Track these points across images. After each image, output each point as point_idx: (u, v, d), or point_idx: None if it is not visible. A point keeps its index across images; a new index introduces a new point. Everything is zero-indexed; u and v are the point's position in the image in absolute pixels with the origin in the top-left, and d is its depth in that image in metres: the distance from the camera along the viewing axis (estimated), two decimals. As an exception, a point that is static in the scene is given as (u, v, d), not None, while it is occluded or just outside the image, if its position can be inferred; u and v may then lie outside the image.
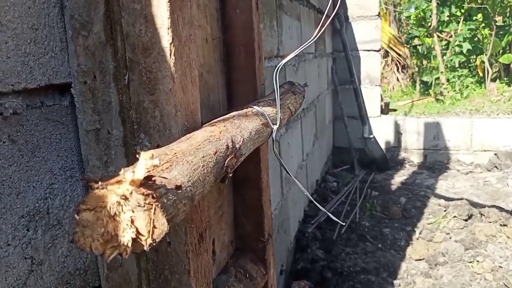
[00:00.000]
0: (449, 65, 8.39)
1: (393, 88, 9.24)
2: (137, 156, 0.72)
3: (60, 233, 0.73)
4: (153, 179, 0.47)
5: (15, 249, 0.64)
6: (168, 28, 0.67)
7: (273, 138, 0.95)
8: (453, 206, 3.21)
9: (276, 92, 0.97)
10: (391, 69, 9.44)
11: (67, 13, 0.71)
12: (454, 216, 3.09)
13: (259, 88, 1.12)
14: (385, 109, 4.87)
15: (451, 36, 8.81)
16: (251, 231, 1.22)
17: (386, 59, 9.04)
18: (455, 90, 7.75)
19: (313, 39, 1.05)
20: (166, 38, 0.67)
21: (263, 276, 1.20)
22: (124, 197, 0.44)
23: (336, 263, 2.56)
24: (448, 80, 8.12)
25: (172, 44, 0.67)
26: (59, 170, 0.73)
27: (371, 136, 4.32)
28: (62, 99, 0.74)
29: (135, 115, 0.71)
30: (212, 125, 0.74)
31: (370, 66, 4.52)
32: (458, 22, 8.37)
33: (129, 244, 0.46)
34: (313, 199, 1.16)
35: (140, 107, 0.71)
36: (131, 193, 0.44)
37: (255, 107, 0.91)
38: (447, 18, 8.45)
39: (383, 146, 4.54)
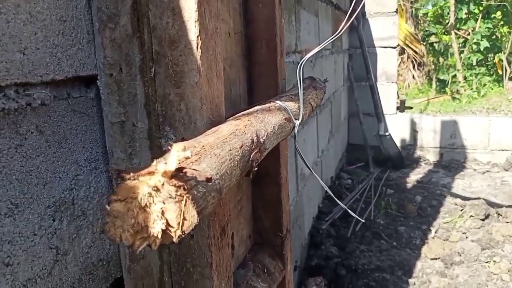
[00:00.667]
0: (466, 63, 8.28)
1: (409, 86, 9.15)
2: (163, 148, 0.72)
3: (85, 224, 0.73)
4: (184, 170, 0.46)
5: (41, 239, 0.65)
6: (196, 21, 0.66)
7: (294, 133, 0.95)
8: (469, 205, 3.17)
9: (299, 86, 0.97)
10: (407, 66, 9.35)
11: (94, 5, 0.71)
12: (471, 216, 3.05)
13: (280, 82, 1.11)
14: (401, 107, 4.82)
15: (468, 34, 8.68)
16: (269, 226, 1.22)
17: (402, 56, 8.95)
18: (472, 89, 7.65)
19: (338, 33, 1.04)
20: (193, 31, 0.67)
21: (280, 271, 1.20)
22: (155, 188, 0.44)
23: (350, 260, 2.55)
24: (465, 78, 8.02)
25: (199, 37, 0.67)
26: (84, 162, 0.73)
27: (387, 133, 4.28)
28: (88, 91, 0.74)
29: (160, 108, 0.71)
30: (237, 119, 0.74)
31: (386, 63, 4.48)
32: (476, 20, 8.25)
33: (159, 236, 0.46)
34: (332, 195, 1.15)
35: (166, 100, 0.71)
36: (163, 184, 0.44)
37: (277, 101, 0.90)
38: (465, 16, 8.33)
39: (398, 144, 4.50)
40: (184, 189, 0.45)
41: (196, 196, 0.47)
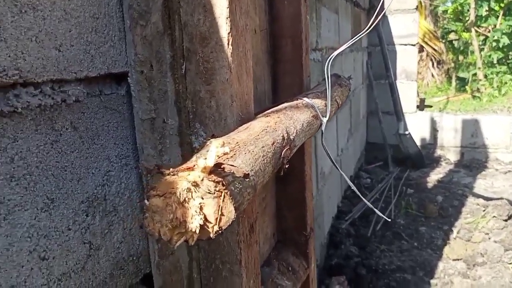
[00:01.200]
0: (486, 61, 8.13)
1: (428, 84, 9.03)
2: (193, 145, 0.72)
3: (116, 219, 0.74)
4: (222, 166, 0.46)
5: (75, 234, 0.66)
6: (227, 18, 0.66)
7: (322, 130, 0.94)
8: (492, 205, 3.11)
9: (327, 83, 0.96)
10: (425, 64, 9.23)
11: (125, 2, 0.72)
12: (494, 216, 3.00)
13: (305, 80, 1.11)
14: (421, 105, 4.76)
15: (489, 31, 8.52)
16: (293, 224, 1.21)
17: (420, 54, 8.83)
18: (492, 87, 7.51)
19: (365, 31, 1.03)
20: (224, 27, 0.67)
21: (305, 270, 1.20)
22: (195, 184, 0.44)
23: (370, 260, 2.53)
24: (485, 76, 7.88)
25: (230, 34, 0.67)
26: (116, 158, 0.74)
27: (407, 132, 4.23)
28: (119, 88, 0.75)
29: (191, 104, 0.72)
30: (267, 116, 0.74)
31: (406, 61, 4.43)
32: (497, 17, 8.10)
33: (197, 231, 0.46)
34: (357, 191, 1.14)
35: (196, 97, 0.71)
36: (202, 179, 0.44)
37: (305, 99, 0.90)
38: (486, 13, 8.18)
39: (418, 143, 4.45)
40: (223, 184, 0.45)
41: (233, 192, 0.47)
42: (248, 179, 0.50)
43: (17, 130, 0.56)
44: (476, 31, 8.37)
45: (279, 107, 0.82)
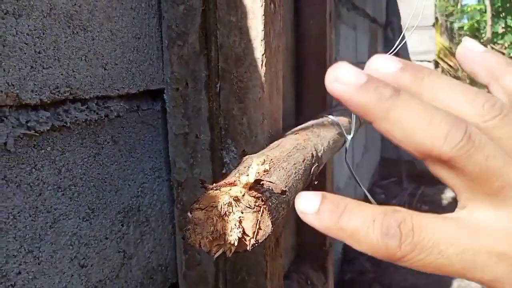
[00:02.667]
0: (502, 78, 8.10)
1: (443, 100, 9.00)
2: (224, 160, 0.75)
3: (148, 229, 0.77)
4: (261, 183, 0.49)
5: (111, 243, 0.69)
6: (262, 40, 0.70)
7: (346, 148, 0.97)
8: (508, 225, 3.09)
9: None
10: (440, 80, 9.21)
11: (164, 23, 0.76)
12: (510, 236, 2.97)
13: (328, 97, 1.14)
14: (436, 122, 4.74)
15: (505, 48, 8.51)
16: (313, 238, 1.23)
17: (436, 70, 8.82)
18: (509, 104, 7.46)
19: (395, 49, 1.06)
20: (259, 49, 0.70)
21: (323, 284, 1.21)
22: (236, 199, 0.47)
23: (385, 276, 2.52)
24: (501, 93, 7.83)
25: (264, 55, 0.70)
26: (150, 170, 0.77)
27: (421, 149, 4.22)
28: (155, 104, 0.78)
29: (223, 121, 0.75)
30: (296, 133, 0.77)
31: (422, 78, 4.43)
32: (514, 34, 8.08)
33: (235, 244, 0.48)
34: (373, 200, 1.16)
35: (229, 114, 0.74)
36: (243, 195, 0.47)
37: (330, 116, 0.92)
38: (502, 30, 8.18)
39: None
40: (262, 200, 0.48)
41: (271, 207, 0.50)
42: (284, 195, 0.53)
43: (65, 144, 0.59)
44: (492, 48, 8.36)
45: (306, 124, 0.85)
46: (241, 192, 0.47)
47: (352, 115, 0.98)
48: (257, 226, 0.49)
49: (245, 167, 0.54)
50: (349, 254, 2.73)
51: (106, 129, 0.67)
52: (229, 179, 0.50)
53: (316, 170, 0.73)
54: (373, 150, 4.10)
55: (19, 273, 0.53)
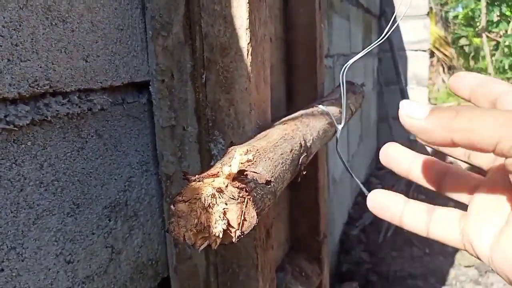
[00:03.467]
0: (498, 67, 8.10)
1: (438, 90, 9.00)
2: (212, 152, 0.74)
3: (136, 224, 0.76)
4: (245, 173, 0.48)
5: (98, 238, 0.68)
6: (247, 29, 0.68)
7: (336, 137, 0.96)
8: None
9: (342, 91, 0.97)
10: (436, 70, 9.20)
11: (148, 14, 0.74)
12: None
13: (319, 87, 1.13)
14: (432, 111, 4.75)
15: (500, 36, 8.49)
16: (306, 230, 1.23)
17: (431, 60, 8.81)
18: (504, 93, 7.46)
19: (380, 40, 1.04)
20: (244, 38, 0.69)
21: (318, 275, 1.21)
22: (219, 190, 0.46)
23: (381, 266, 2.53)
24: (497, 82, 7.82)
25: (250, 44, 0.69)
26: (137, 164, 0.76)
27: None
28: (140, 96, 0.77)
29: (210, 112, 0.74)
30: (284, 123, 0.75)
31: (417, 67, 4.43)
32: (508, 22, 8.06)
33: (220, 236, 0.47)
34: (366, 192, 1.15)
35: (216, 105, 0.73)
36: (226, 186, 0.46)
37: (320, 106, 0.91)
38: (497, 18, 8.15)
39: (429, 149, 4.43)
40: (246, 190, 0.47)
41: (256, 198, 0.49)
42: (269, 186, 0.52)
43: (47, 138, 0.58)
44: (487, 37, 8.35)
45: (296, 114, 0.84)
46: (224, 183, 0.46)
47: (343, 105, 0.96)
48: (242, 218, 0.48)
49: (229, 158, 0.53)
50: (346, 245, 2.73)
51: (90, 122, 0.65)
52: (212, 170, 0.49)
53: (304, 160, 0.72)
54: (369, 140, 4.09)
55: (2, 270, 0.52)
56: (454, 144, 0.28)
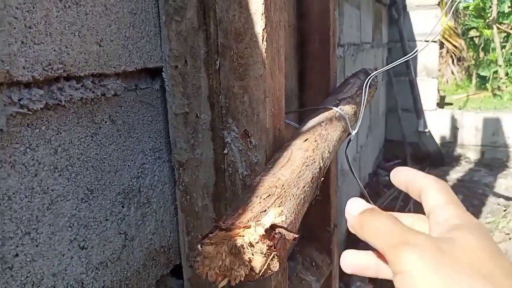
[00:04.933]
0: (508, 59, 7.99)
1: (447, 82, 8.91)
2: (225, 140, 0.73)
3: (149, 211, 0.76)
4: (276, 229, 0.48)
5: (112, 224, 0.68)
6: (262, 14, 0.67)
7: (349, 141, 0.94)
8: (514, 205, 3.07)
9: (363, 102, 0.95)
10: (445, 61, 9.09)
11: (161, -2, 0.73)
12: (515, 216, 2.96)
13: (332, 76, 1.11)
14: (441, 103, 4.71)
15: (511, 28, 8.36)
16: (317, 220, 1.22)
17: (441, 51, 8.70)
18: (514, 85, 7.38)
19: (409, 56, 1.03)
20: (259, 24, 0.67)
21: (328, 266, 1.20)
22: (249, 244, 0.46)
23: (389, 257, 2.52)
24: (507, 74, 7.74)
25: (265, 30, 0.68)
26: (150, 151, 0.75)
27: (426, 130, 4.19)
28: (153, 82, 0.76)
29: (224, 100, 0.73)
30: (305, 140, 0.73)
31: (427, 58, 4.38)
32: (519, 13, 7.94)
33: (242, 279, 0.48)
34: (370, 200, 1.14)
35: (230, 92, 0.72)
36: (257, 242, 0.47)
37: (338, 110, 0.89)
38: (508, 9, 8.03)
39: (438, 141, 4.40)
40: (275, 247, 0.47)
41: (281, 252, 0.49)
42: (295, 241, 0.52)
43: (61, 123, 0.57)
44: (498, 28, 8.23)
45: (314, 123, 0.81)
46: (255, 240, 0.47)
47: (361, 113, 0.94)
48: (265, 267, 0.48)
49: (261, 208, 0.52)
50: (354, 236, 2.72)
51: (103, 108, 0.65)
52: (243, 219, 0.49)
53: (320, 183, 0.71)
54: (378, 132, 4.07)
55: (17, 255, 0.52)
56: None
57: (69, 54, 0.57)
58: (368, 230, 0.38)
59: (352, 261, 0.43)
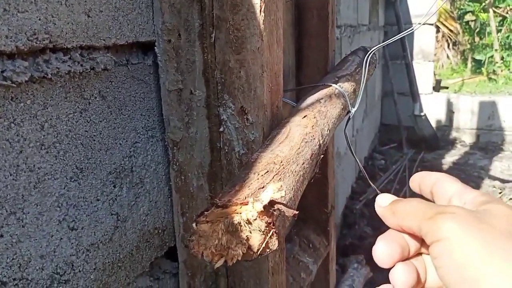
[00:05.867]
0: (504, 43, 7.96)
1: (443, 66, 8.88)
2: (221, 117, 0.71)
3: (142, 191, 0.73)
4: (275, 206, 0.45)
5: (103, 205, 0.65)
6: (259, -17, 0.64)
7: (348, 119, 0.91)
8: (509, 188, 3.08)
9: (362, 79, 0.92)
10: (441, 45, 9.04)
11: (153, -32, 0.69)
12: (510, 198, 2.97)
13: (330, 54, 1.08)
14: (437, 86, 4.69)
15: (507, 12, 8.31)
16: (314, 201, 1.20)
17: (436, 35, 8.65)
18: (509, 69, 7.37)
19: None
20: (256, -7, 0.64)
21: (325, 247, 1.19)
22: (247, 221, 0.44)
23: (385, 240, 2.52)
24: (502, 58, 7.72)
25: (263, 0, 0.64)
26: (142, 129, 0.73)
27: (422, 113, 4.18)
28: (146, 57, 0.73)
29: (219, 75, 0.70)
30: (304, 117, 0.70)
31: (423, 41, 4.34)
32: (516, -3, 7.88)
33: (239, 258, 0.46)
34: (370, 182, 1.12)
35: (225, 67, 0.69)
36: (255, 219, 0.44)
37: (337, 87, 0.86)
38: (505, -8, 7.97)
39: (433, 124, 4.39)
40: (273, 224, 0.44)
41: (280, 230, 0.46)
42: (295, 218, 0.49)
43: (47, 97, 0.54)
44: (494, 12, 8.18)
45: (313, 99, 0.78)
46: (253, 217, 0.44)
47: (361, 90, 0.91)
48: (264, 245, 0.45)
49: (258, 185, 0.49)
50: (349, 219, 2.73)
51: (93, 83, 0.62)
52: (241, 196, 0.46)
53: (320, 161, 0.68)
54: (373, 115, 4.05)
55: (1, 236, 0.49)
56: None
57: (55, 24, 0.54)
58: (400, 213, 0.39)
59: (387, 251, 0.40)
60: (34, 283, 0.54)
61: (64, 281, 0.58)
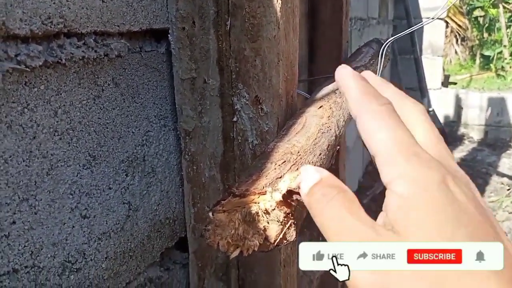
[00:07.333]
0: (513, 39, 7.88)
1: (451, 62, 8.81)
2: (235, 107, 0.69)
3: (154, 181, 0.72)
4: (293, 196, 0.44)
5: (115, 193, 0.64)
6: (277, -31, 0.62)
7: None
8: (517, 185, 3.05)
9: (379, 70, 0.91)
10: (449, 41, 8.96)
11: (168, -47, 0.68)
12: (519, 196, 2.95)
13: (344, 45, 1.06)
14: (445, 82, 4.65)
15: (517, 8, 8.21)
16: (324, 195, 1.19)
17: (445, 30, 8.57)
18: (519, 66, 7.30)
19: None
20: (274, -20, 0.63)
21: (335, 241, 1.18)
22: (265, 211, 0.43)
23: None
24: (511, 54, 7.64)
25: (280, -13, 0.63)
26: (155, 118, 0.72)
27: (430, 109, 4.14)
28: (159, 45, 0.72)
29: (234, 63, 0.68)
30: (320, 107, 0.69)
31: (433, 35, 4.30)
32: (527, -8, 7.79)
33: (255, 248, 0.45)
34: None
35: (240, 55, 0.68)
36: (273, 209, 0.43)
37: None
38: (516, -12, 7.87)
39: (441, 120, 4.36)
40: (292, 215, 0.43)
41: (298, 221, 0.45)
42: None
43: (61, 83, 0.53)
44: (504, 7, 8.09)
45: (328, 90, 0.77)
46: (271, 206, 0.43)
47: (377, 74, 0.90)
48: (281, 236, 0.44)
49: (276, 174, 0.48)
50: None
51: (106, 69, 0.60)
52: (258, 185, 0.45)
53: (336, 152, 0.67)
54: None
55: (14, 222, 0.49)
56: None
57: (70, 8, 0.53)
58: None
59: None
60: (46, 271, 0.54)
61: (75, 270, 0.58)
